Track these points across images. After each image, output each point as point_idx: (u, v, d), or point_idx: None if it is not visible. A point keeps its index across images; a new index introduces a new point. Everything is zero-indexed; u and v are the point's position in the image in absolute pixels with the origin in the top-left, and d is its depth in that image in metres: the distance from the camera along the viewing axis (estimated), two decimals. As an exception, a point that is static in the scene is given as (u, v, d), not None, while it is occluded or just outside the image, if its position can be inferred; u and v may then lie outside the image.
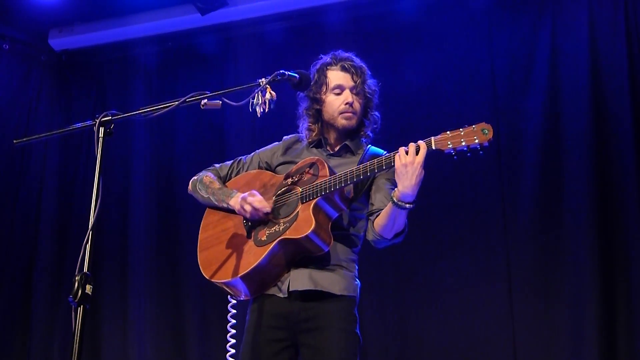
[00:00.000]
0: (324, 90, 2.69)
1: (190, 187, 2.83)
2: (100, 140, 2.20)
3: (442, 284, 4.28)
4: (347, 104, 2.65)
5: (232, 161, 2.87)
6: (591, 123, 4.11)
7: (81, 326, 1.98)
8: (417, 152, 2.35)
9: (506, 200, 4.25)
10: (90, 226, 2.06)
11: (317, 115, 2.72)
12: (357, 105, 2.68)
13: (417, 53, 4.62)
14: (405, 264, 4.34)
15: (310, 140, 2.75)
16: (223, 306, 3.76)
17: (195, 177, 2.83)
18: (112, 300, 5.03)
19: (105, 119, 2.22)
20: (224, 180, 2.82)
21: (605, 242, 3.98)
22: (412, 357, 4.28)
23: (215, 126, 5.03)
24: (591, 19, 4.26)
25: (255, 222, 2.59)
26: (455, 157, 2.34)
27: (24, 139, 2.61)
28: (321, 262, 2.52)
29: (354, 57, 2.74)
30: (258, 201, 2.57)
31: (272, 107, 2.40)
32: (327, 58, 2.75)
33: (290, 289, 2.51)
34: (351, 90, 2.67)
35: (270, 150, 2.84)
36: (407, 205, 2.41)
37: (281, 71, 2.41)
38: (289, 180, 2.62)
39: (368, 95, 2.71)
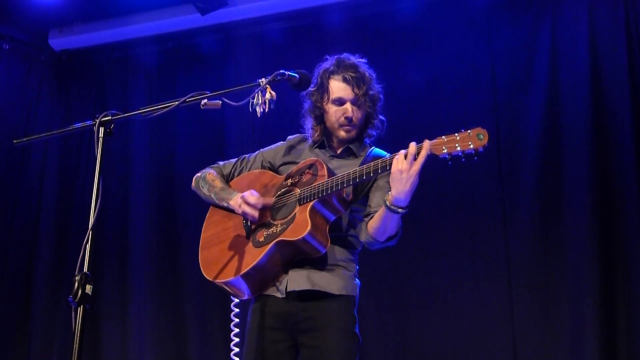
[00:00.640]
0: (326, 99, 2.67)
1: (193, 183, 2.84)
2: (100, 140, 2.20)
3: (442, 284, 4.28)
4: (346, 117, 2.64)
5: (236, 159, 2.87)
6: (591, 123, 4.11)
7: (81, 326, 1.98)
8: (415, 157, 2.31)
9: (506, 200, 4.26)
10: (90, 226, 2.06)
11: (320, 118, 2.73)
12: (357, 117, 2.66)
13: (417, 53, 4.62)
14: (405, 264, 4.34)
15: (314, 140, 2.75)
16: (223, 306, 3.76)
17: (198, 174, 2.83)
18: (112, 300, 5.03)
19: (105, 119, 2.22)
20: (227, 178, 2.82)
21: (605, 242, 3.98)
22: (412, 357, 4.28)
23: (215, 126, 5.03)
24: (591, 18, 4.26)
25: (255, 223, 2.59)
26: (449, 163, 2.32)
27: (24, 139, 2.60)
28: (319, 262, 2.51)
29: (358, 64, 2.69)
30: (255, 198, 2.56)
31: (272, 107, 2.40)
32: (331, 63, 2.70)
33: (288, 290, 2.51)
34: (352, 102, 2.64)
35: (274, 150, 2.83)
36: (400, 210, 2.39)
37: (281, 71, 2.41)
38: (289, 181, 2.62)
39: (370, 104, 2.67)
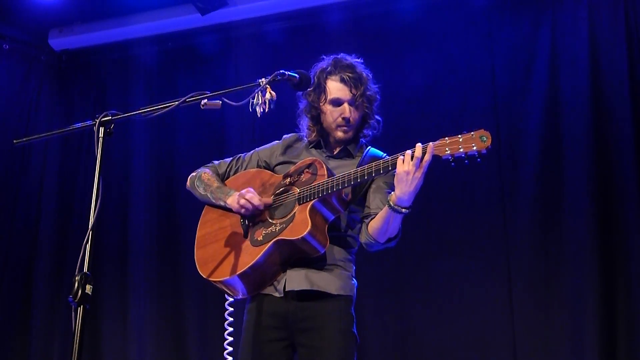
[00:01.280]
0: (323, 99, 2.66)
1: (188, 183, 2.83)
2: (100, 140, 2.20)
3: (442, 284, 4.28)
4: (344, 118, 2.63)
5: (231, 158, 2.86)
6: (591, 123, 4.11)
7: (81, 326, 1.98)
8: (421, 158, 2.31)
9: (506, 200, 4.25)
10: (90, 226, 2.06)
11: (317, 118, 2.72)
12: (354, 117, 2.65)
13: (417, 53, 4.62)
14: (405, 264, 4.33)
15: (310, 140, 2.75)
16: (223, 306, 3.75)
17: (193, 174, 2.83)
18: (112, 300, 5.02)
19: (105, 119, 2.22)
20: (223, 177, 2.82)
21: (605, 242, 3.97)
22: (412, 356, 4.28)
23: (215, 126, 5.03)
24: (591, 18, 4.26)
25: (252, 221, 2.59)
26: (453, 165, 2.31)
27: (24, 139, 2.60)
28: (317, 262, 2.52)
29: (355, 64, 2.68)
30: (254, 197, 2.56)
31: (272, 107, 2.40)
32: (328, 64, 2.70)
33: (287, 289, 2.51)
34: (349, 103, 2.64)
35: (270, 149, 2.83)
36: (404, 210, 2.39)
37: (281, 71, 2.41)
38: (287, 180, 2.62)
39: (367, 105, 2.67)
